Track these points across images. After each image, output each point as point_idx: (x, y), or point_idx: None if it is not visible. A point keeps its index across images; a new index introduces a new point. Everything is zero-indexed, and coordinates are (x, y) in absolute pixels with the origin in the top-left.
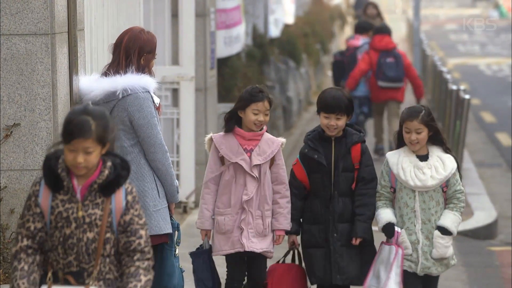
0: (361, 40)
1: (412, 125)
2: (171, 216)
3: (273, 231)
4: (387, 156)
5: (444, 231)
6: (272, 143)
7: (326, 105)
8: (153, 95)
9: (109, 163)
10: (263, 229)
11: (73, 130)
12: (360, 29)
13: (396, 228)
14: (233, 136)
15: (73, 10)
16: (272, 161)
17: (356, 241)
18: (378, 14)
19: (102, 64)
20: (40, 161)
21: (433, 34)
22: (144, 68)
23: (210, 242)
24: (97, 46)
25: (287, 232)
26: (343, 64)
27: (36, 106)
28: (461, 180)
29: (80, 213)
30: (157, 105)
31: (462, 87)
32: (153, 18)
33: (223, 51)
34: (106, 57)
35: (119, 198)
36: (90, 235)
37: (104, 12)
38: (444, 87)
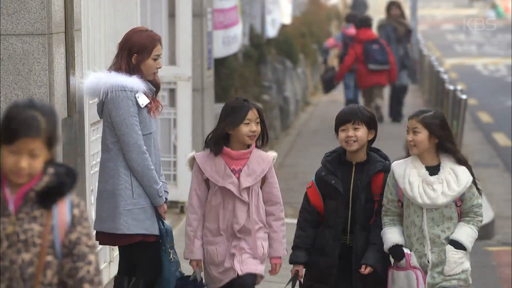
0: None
1: (410, 123)
2: (162, 221)
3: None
4: (392, 166)
5: (457, 245)
6: (262, 161)
7: (340, 117)
8: (138, 95)
9: (51, 170)
10: (260, 254)
11: (18, 127)
12: (355, 23)
13: (405, 250)
14: (218, 155)
15: (70, 10)
16: (264, 179)
17: (365, 270)
18: (402, 15)
19: (99, 64)
20: None
21: (430, 34)
22: (135, 68)
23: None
24: (94, 46)
25: (295, 262)
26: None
27: None
28: (479, 193)
29: (12, 228)
30: (142, 106)
31: (459, 87)
32: (150, 18)
33: (221, 51)
34: (103, 57)
35: (62, 212)
36: (26, 256)
37: (101, 12)
38: (441, 87)
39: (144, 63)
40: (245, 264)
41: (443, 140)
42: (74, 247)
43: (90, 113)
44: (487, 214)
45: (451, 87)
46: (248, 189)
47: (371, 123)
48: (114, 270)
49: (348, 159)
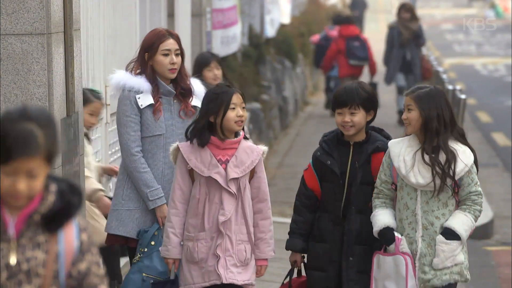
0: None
1: (406, 100)
2: (158, 226)
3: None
4: (389, 145)
5: (450, 234)
6: (251, 152)
7: (337, 98)
8: (140, 96)
9: (53, 187)
10: (245, 257)
11: (12, 146)
12: (337, 20)
13: (396, 234)
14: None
15: (69, 10)
16: (252, 173)
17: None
18: (413, 17)
19: (98, 64)
20: None
21: (429, 34)
22: (150, 67)
23: (177, 272)
24: (93, 46)
25: (291, 249)
26: (324, 49)
27: None
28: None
29: (15, 257)
30: (141, 106)
31: (458, 87)
32: (149, 18)
33: (219, 51)
34: (103, 57)
35: (69, 237)
36: None
37: (100, 12)
38: (440, 87)
39: (154, 60)
40: (230, 273)
41: (432, 120)
42: (83, 278)
43: None
44: (486, 214)
45: (450, 87)
46: (235, 181)
47: (369, 104)
48: None
49: (346, 139)
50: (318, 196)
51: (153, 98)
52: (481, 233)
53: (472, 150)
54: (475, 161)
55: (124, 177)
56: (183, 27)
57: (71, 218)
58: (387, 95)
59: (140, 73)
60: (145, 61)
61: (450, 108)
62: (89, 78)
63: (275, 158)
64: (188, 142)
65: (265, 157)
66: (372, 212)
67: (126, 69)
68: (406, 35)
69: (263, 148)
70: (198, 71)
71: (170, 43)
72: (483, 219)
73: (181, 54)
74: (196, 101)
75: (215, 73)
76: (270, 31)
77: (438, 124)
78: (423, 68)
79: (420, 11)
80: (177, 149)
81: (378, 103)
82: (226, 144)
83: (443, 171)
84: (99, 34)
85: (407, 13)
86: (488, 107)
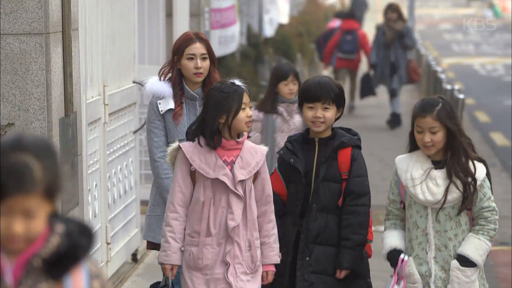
0: (337, 23)
1: (425, 122)
2: None
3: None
4: (396, 162)
5: (465, 261)
6: (255, 153)
7: (309, 92)
8: (161, 102)
9: (59, 227)
10: (255, 263)
11: (5, 182)
12: (339, 15)
13: (402, 256)
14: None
15: (67, 9)
16: (256, 175)
17: (340, 274)
18: (400, 17)
19: (96, 64)
20: None
21: (428, 33)
22: (178, 71)
23: (173, 280)
24: (91, 45)
25: None
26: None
27: (30, 106)
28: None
29: None
30: (162, 112)
31: (456, 86)
32: (148, 17)
33: (217, 51)
34: (101, 57)
35: (78, 284)
36: None
37: (98, 11)
38: (438, 87)
39: (181, 64)
40: (240, 281)
41: (454, 134)
42: None
43: (88, 112)
44: None
45: (449, 87)
46: (242, 183)
47: (340, 101)
48: (111, 269)
49: (311, 136)
50: (284, 201)
51: (175, 103)
52: None
53: (484, 163)
54: (488, 174)
55: (154, 184)
56: (182, 27)
57: (79, 262)
58: (386, 95)
59: (170, 78)
60: (174, 64)
61: (457, 116)
62: (88, 78)
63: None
64: (189, 142)
65: None
66: (339, 210)
67: (159, 73)
68: (390, 36)
69: (265, 148)
70: (275, 84)
71: (196, 47)
72: None
73: (211, 58)
74: None
75: (290, 87)
76: (269, 31)
77: (462, 139)
78: (409, 69)
79: (418, 11)
80: (177, 149)
81: (344, 102)
82: (231, 145)
83: (468, 187)
84: (97, 34)
85: (393, 13)
86: (486, 107)
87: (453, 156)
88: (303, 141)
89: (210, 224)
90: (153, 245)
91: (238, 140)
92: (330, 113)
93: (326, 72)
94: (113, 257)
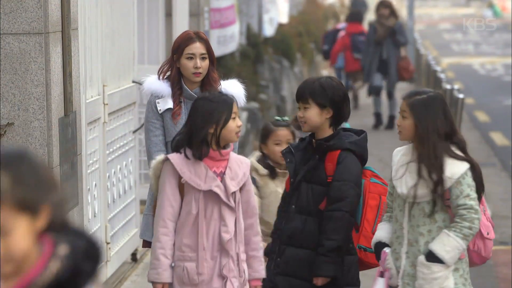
0: (342, 25)
1: (401, 105)
2: None
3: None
4: (393, 154)
5: (432, 256)
6: (241, 164)
7: (296, 91)
8: (159, 101)
9: (63, 249)
10: (244, 278)
11: None
12: (346, 18)
13: (384, 248)
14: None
15: (67, 9)
16: (241, 187)
17: (317, 281)
18: (392, 13)
19: (96, 64)
20: None
21: (427, 33)
22: (178, 70)
23: None
24: (91, 45)
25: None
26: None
27: (30, 106)
28: (480, 195)
29: None
30: (160, 111)
31: (456, 86)
32: (147, 17)
33: (216, 50)
34: (100, 56)
35: None
36: None
37: (98, 11)
38: (438, 87)
39: (180, 63)
40: None
41: (427, 131)
42: None
43: (87, 112)
44: None
45: (448, 86)
46: (233, 194)
47: (325, 102)
48: (110, 269)
49: (314, 138)
50: None
51: (173, 102)
52: None
53: (471, 162)
54: (478, 177)
55: None
56: (181, 26)
57: None
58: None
59: (168, 77)
60: (174, 63)
61: (448, 117)
62: (87, 77)
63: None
64: (176, 154)
65: None
66: (322, 214)
67: (158, 72)
68: (381, 32)
69: (249, 160)
70: None
71: (195, 47)
72: None
73: (210, 58)
74: None
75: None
76: (268, 31)
77: (432, 136)
78: (400, 67)
79: (418, 11)
80: (163, 161)
81: (340, 101)
82: (219, 156)
83: (432, 182)
84: (97, 33)
85: (385, 9)
86: (486, 106)
87: (422, 153)
88: (309, 141)
89: (203, 238)
90: (150, 244)
91: (224, 150)
92: (310, 113)
93: (326, 71)
94: (112, 256)
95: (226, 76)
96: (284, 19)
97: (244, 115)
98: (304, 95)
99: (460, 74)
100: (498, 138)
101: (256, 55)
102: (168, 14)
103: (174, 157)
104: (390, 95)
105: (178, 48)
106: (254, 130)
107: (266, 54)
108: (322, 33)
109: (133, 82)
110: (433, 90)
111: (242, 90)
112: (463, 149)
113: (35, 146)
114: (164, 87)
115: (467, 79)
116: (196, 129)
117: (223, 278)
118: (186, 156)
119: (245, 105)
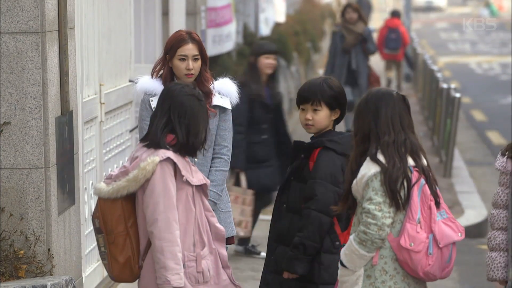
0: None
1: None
2: None
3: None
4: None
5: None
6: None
7: (300, 94)
8: (153, 99)
9: None
10: None
11: None
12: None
13: None
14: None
15: (64, 8)
16: None
17: (285, 275)
18: (360, 18)
19: (92, 63)
20: (31, 160)
21: (424, 32)
22: (170, 69)
23: None
24: (87, 44)
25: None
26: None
27: (27, 105)
28: (397, 201)
29: None
30: (154, 109)
31: (452, 85)
32: (144, 16)
33: (210, 50)
34: (97, 55)
35: None
36: None
37: (94, 10)
38: (434, 86)
39: (172, 63)
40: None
41: (356, 133)
42: None
43: (84, 111)
44: (480, 213)
45: (445, 86)
46: None
47: (335, 103)
48: None
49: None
50: None
51: None
52: (475, 231)
53: (377, 162)
54: (393, 183)
55: None
56: (178, 25)
57: None
58: None
59: (161, 76)
60: (166, 62)
61: (382, 116)
62: (84, 76)
63: None
64: (169, 151)
65: None
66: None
67: (152, 71)
68: (350, 40)
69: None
70: None
71: (188, 49)
72: (478, 217)
73: (203, 58)
74: (222, 101)
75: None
76: (265, 30)
77: (353, 139)
78: (371, 78)
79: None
80: (161, 161)
81: (346, 102)
82: None
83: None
84: (94, 32)
85: (354, 13)
86: (482, 105)
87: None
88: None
89: (202, 232)
90: None
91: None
92: (320, 116)
93: (322, 71)
94: None
95: (221, 75)
96: (281, 18)
97: None
98: (314, 97)
99: (456, 73)
100: (495, 137)
101: None
102: (165, 13)
103: (174, 156)
104: (350, 109)
105: (170, 49)
106: None
107: None
108: (319, 32)
109: (130, 81)
110: (387, 90)
111: (235, 89)
112: (412, 151)
113: (31, 145)
114: (157, 85)
115: (463, 78)
116: (199, 127)
117: (228, 268)
118: (179, 153)
119: None
